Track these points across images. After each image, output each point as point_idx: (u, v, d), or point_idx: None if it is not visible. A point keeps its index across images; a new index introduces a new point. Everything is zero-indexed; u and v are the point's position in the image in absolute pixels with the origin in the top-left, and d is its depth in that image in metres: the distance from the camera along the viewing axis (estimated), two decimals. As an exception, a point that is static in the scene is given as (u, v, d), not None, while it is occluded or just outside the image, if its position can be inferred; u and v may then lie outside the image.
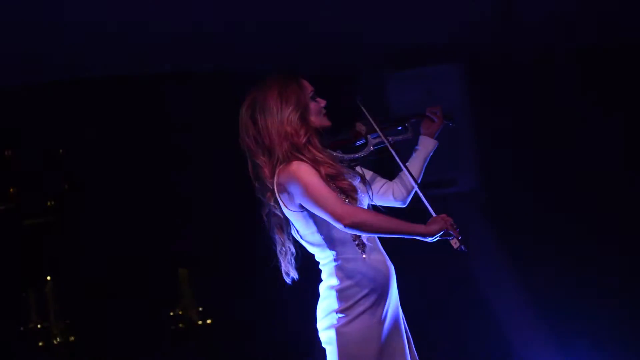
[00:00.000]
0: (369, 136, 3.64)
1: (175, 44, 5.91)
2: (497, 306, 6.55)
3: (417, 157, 3.74)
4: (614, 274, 6.40)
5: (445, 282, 6.38)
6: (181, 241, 6.74)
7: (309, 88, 3.49)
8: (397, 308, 3.48)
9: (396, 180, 3.74)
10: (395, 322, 3.44)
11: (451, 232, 3.32)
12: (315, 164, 3.37)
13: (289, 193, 3.37)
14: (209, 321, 7.02)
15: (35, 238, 6.99)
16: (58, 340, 7.09)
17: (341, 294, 3.38)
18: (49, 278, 7.18)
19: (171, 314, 6.98)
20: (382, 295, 3.39)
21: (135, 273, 6.78)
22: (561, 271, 6.43)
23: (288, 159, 3.37)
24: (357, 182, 3.47)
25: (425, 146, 3.76)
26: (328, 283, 3.44)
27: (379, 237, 3.50)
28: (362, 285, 3.37)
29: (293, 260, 3.54)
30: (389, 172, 3.80)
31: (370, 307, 3.36)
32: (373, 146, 3.63)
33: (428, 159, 3.77)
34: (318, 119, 3.48)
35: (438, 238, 3.34)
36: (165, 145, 6.80)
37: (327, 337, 3.42)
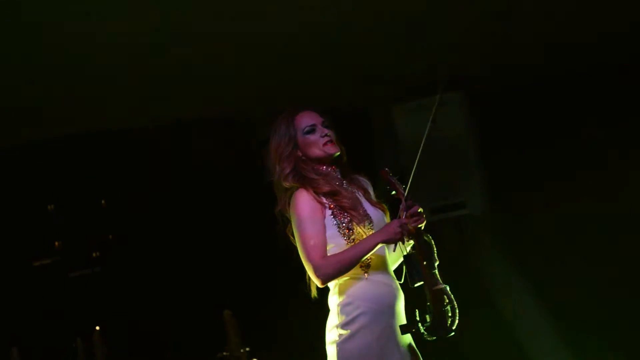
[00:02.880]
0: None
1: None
2: (515, 327, 6.58)
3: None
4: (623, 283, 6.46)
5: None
6: (223, 283, 6.78)
7: (302, 123, 3.68)
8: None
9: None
10: (399, 343, 3.53)
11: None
12: (310, 184, 3.57)
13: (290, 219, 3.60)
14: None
15: (81, 289, 7.06)
16: (108, 389, 7.11)
17: (342, 309, 3.54)
18: (97, 327, 7.21)
19: (218, 355, 6.98)
20: (382, 313, 3.52)
21: (180, 318, 6.82)
22: (578, 291, 6.49)
23: (280, 182, 3.63)
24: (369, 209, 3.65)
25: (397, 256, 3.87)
26: (332, 299, 3.61)
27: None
28: (361, 302, 3.51)
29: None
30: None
31: (369, 324, 3.49)
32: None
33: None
34: (312, 150, 3.65)
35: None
36: (206, 190, 6.86)
37: (330, 352, 3.56)
